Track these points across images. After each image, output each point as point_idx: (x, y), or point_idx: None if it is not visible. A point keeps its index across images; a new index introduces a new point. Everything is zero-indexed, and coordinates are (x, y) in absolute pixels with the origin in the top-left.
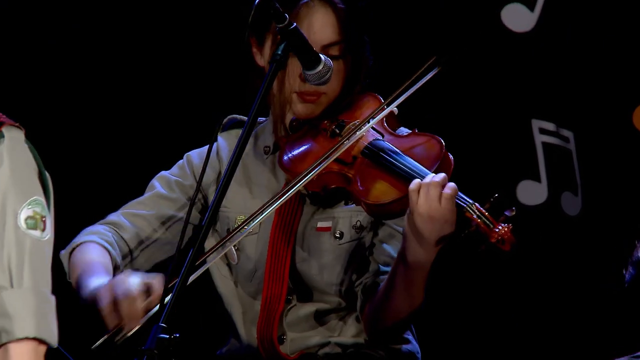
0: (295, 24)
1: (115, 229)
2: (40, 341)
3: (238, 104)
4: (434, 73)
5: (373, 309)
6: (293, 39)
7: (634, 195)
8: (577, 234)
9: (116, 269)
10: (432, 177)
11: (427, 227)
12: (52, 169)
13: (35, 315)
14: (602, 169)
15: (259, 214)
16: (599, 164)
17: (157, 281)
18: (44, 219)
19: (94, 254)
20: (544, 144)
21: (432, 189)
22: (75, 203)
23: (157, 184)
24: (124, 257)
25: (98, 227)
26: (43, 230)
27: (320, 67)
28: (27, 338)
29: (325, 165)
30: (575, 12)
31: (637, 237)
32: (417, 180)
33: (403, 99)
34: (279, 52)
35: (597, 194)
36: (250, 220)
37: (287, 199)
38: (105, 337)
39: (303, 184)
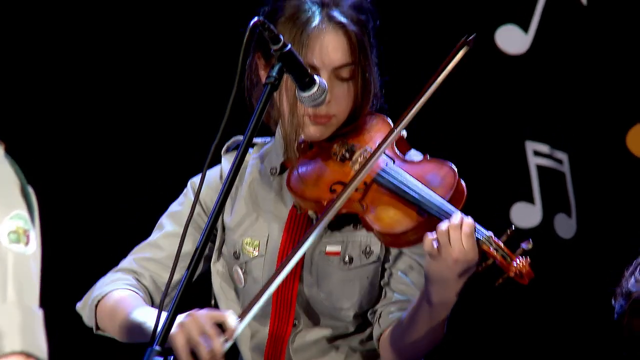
0: (290, 45)
1: (131, 275)
2: (28, 355)
3: (240, 123)
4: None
5: (393, 341)
6: (288, 61)
7: (628, 217)
8: (572, 256)
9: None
10: (449, 222)
11: (451, 270)
12: (49, 170)
13: (21, 329)
14: (596, 191)
15: (293, 255)
16: (593, 186)
17: (229, 316)
18: (27, 232)
19: (129, 298)
20: (538, 167)
21: (452, 233)
22: (73, 206)
23: (166, 222)
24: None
25: (116, 275)
26: (27, 244)
27: (315, 89)
28: (13, 353)
29: (347, 196)
30: (569, 34)
31: (626, 266)
32: (443, 224)
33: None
34: (274, 74)
35: (591, 216)
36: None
37: (318, 234)
38: None
39: (330, 219)
